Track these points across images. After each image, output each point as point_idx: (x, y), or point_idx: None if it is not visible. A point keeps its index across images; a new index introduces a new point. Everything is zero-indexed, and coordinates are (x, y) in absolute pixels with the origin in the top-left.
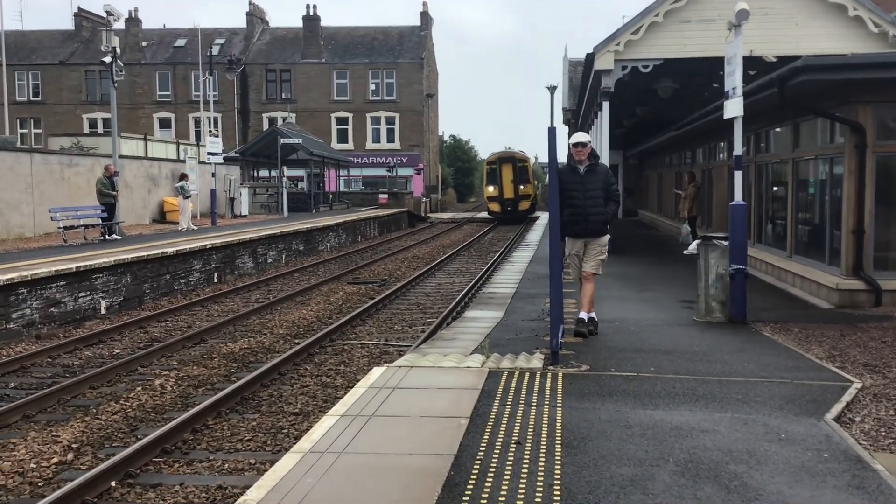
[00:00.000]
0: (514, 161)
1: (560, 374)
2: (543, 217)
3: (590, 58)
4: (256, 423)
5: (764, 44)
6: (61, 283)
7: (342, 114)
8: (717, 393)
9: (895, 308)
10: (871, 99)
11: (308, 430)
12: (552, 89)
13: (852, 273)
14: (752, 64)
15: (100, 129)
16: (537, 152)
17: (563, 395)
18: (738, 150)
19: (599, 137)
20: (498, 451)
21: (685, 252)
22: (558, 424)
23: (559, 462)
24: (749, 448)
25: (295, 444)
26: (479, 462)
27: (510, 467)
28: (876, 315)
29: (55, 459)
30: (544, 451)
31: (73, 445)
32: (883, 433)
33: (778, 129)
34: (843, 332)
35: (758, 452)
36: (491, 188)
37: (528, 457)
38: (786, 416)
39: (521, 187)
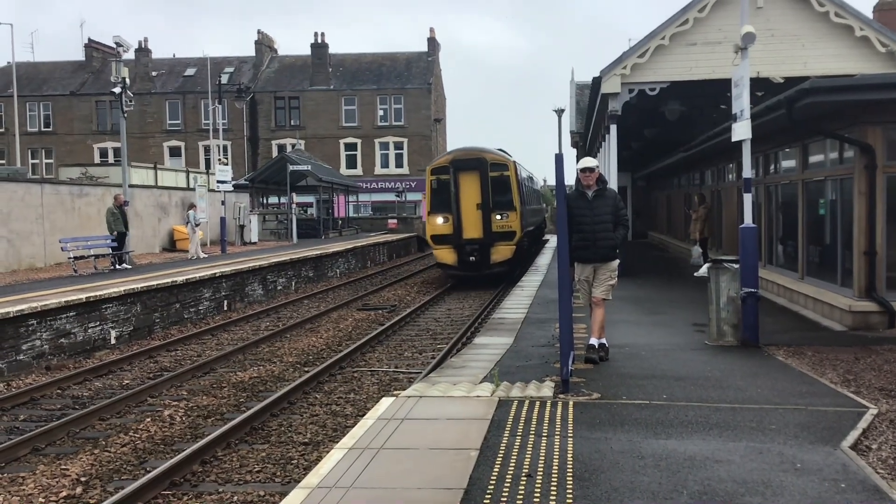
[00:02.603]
0: (481, 167)
1: (571, 403)
2: (553, 240)
3: (596, 81)
4: (266, 453)
5: (771, 65)
6: (71, 313)
7: (351, 139)
8: (730, 421)
9: None
10: (880, 119)
11: (318, 460)
12: (559, 112)
13: (865, 295)
14: (760, 85)
15: (110, 159)
16: (546, 175)
17: (573, 424)
18: (748, 172)
19: (607, 160)
20: (508, 485)
21: (696, 274)
22: (569, 455)
23: (571, 495)
24: (764, 478)
25: (304, 475)
26: (489, 496)
27: (521, 502)
28: (890, 337)
29: (64, 493)
30: (555, 483)
31: (82, 479)
32: None
33: (787, 150)
34: (858, 356)
35: (773, 483)
36: (439, 219)
37: (539, 490)
38: (801, 445)
39: (498, 217)
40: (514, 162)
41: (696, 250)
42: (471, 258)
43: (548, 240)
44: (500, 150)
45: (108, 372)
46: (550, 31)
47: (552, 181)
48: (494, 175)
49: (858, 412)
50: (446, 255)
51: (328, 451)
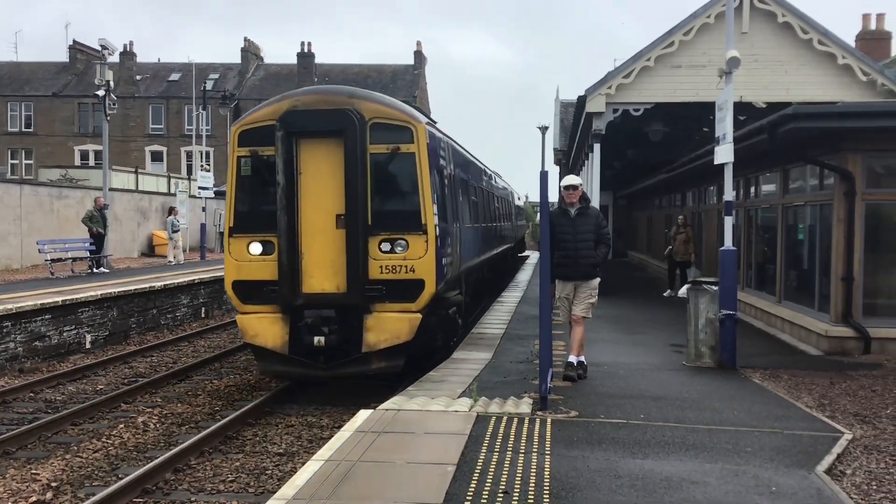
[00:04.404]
0: (348, 130)
1: (549, 420)
2: (533, 257)
3: (581, 100)
4: (240, 463)
5: (754, 90)
6: (46, 316)
7: None
8: (707, 442)
9: (884, 356)
10: (861, 147)
11: (292, 471)
12: (543, 130)
13: (841, 320)
14: (742, 109)
15: (91, 162)
16: (528, 191)
17: (551, 442)
18: (729, 195)
19: (590, 179)
20: (485, 501)
21: (669, 294)
22: (546, 473)
23: None
24: (740, 501)
25: (278, 486)
26: None
27: None
28: (865, 363)
29: (33, 499)
30: (532, 501)
31: (53, 484)
32: (874, 487)
33: (768, 175)
34: (833, 380)
35: None
36: (252, 248)
37: None
38: (776, 468)
39: (384, 248)
40: (429, 128)
41: (693, 271)
42: (316, 339)
43: (528, 256)
44: (410, 104)
45: (82, 376)
46: (540, 46)
47: (534, 198)
48: (379, 152)
49: (833, 437)
50: (264, 328)
51: (303, 463)
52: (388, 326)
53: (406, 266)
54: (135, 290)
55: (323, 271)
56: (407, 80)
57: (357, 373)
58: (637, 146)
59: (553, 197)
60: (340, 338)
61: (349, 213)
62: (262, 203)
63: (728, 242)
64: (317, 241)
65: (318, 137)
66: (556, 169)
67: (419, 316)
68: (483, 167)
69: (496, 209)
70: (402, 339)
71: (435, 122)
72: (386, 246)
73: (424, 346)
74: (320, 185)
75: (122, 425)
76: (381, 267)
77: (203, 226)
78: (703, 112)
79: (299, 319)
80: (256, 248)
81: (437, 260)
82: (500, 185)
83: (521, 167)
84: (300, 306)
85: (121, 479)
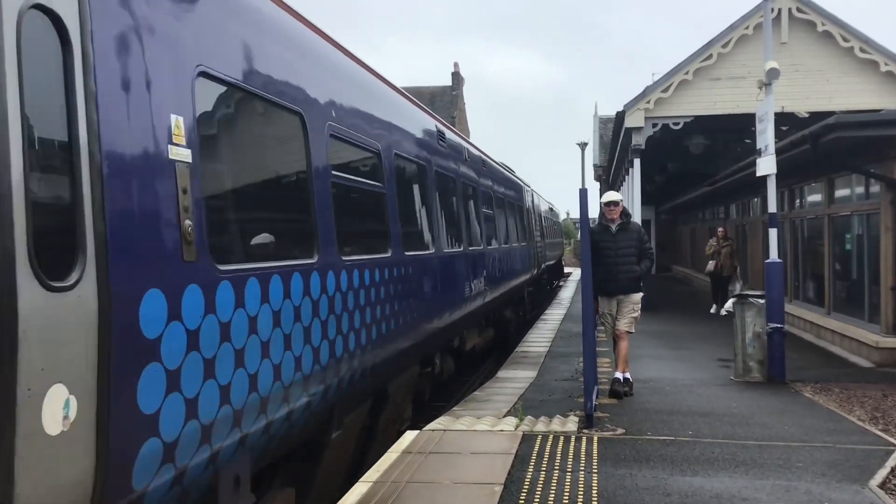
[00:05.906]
0: None
1: (595, 438)
2: (576, 273)
3: (620, 116)
4: None
5: (796, 100)
6: None
7: None
8: (757, 458)
9: None
10: None
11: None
12: (583, 146)
13: (892, 331)
14: (784, 119)
15: None
16: (569, 208)
17: (598, 460)
18: (773, 207)
19: (631, 194)
20: None
21: (727, 310)
22: (594, 492)
23: None
24: None
25: None
26: None
27: None
28: None
29: None
30: None
31: None
32: None
33: (812, 185)
34: (886, 393)
35: None
36: None
37: None
38: (828, 483)
39: None
40: None
41: (739, 284)
42: None
43: (570, 273)
44: None
45: None
46: (580, 62)
47: (575, 214)
48: None
49: (887, 450)
50: None
51: (350, 487)
52: None
53: None
54: None
55: None
56: (445, 102)
57: None
58: (678, 159)
59: (594, 213)
60: None
61: None
62: None
63: (774, 255)
64: None
65: None
66: (597, 185)
67: None
68: (446, 130)
69: (486, 218)
70: None
71: None
72: None
73: None
74: None
75: None
76: None
77: None
78: (745, 123)
79: None
80: None
81: None
82: (503, 178)
83: (563, 184)
84: None
85: None
